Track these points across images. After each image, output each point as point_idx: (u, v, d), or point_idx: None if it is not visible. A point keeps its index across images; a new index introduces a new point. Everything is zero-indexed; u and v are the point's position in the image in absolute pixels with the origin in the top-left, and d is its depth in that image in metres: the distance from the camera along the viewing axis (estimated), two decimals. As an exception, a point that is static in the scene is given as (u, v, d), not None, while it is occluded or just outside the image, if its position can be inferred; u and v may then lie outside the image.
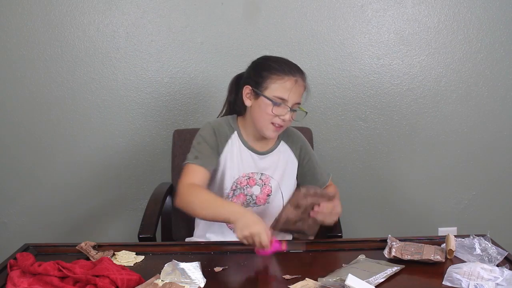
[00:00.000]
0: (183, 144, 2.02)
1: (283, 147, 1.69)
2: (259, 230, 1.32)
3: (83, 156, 2.28)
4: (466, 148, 2.36)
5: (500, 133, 2.36)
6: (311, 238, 1.49)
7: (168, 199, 1.97)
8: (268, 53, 2.16)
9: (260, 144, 1.65)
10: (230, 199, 1.63)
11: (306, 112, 1.60)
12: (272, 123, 1.55)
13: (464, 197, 2.42)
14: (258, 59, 1.63)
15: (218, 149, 1.62)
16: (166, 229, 1.97)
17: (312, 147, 2.07)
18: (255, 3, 2.18)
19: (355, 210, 2.38)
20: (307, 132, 2.08)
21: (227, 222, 1.49)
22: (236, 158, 1.63)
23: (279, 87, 1.52)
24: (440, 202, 2.42)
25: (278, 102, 1.52)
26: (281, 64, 1.56)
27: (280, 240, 1.38)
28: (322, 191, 1.46)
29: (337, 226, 1.79)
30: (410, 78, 2.29)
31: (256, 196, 1.63)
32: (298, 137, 1.72)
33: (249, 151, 1.64)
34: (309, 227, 1.47)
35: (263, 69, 1.57)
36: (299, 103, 1.56)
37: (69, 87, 2.22)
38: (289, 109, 1.53)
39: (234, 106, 1.68)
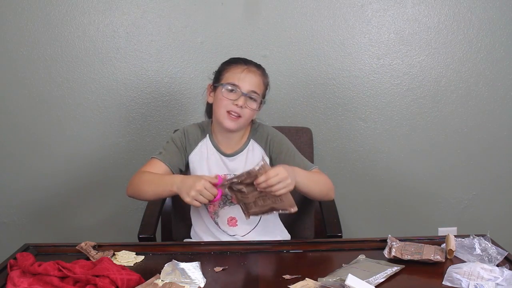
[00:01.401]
0: (183, 144, 2.02)
1: (252, 145, 1.68)
2: (203, 185, 1.40)
3: (83, 156, 2.28)
4: (466, 148, 2.36)
5: (500, 133, 2.36)
6: (294, 210, 1.41)
7: (168, 199, 1.97)
8: (268, 53, 2.20)
9: (229, 145, 1.67)
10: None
11: (264, 102, 1.64)
12: (228, 112, 1.57)
13: (464, 197, 2.42)
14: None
15: (185, 150, 1.67)
16: (166, 229, 1.97)
17: (312, 147, 2.07)
18: (255, 3, 2.18)
19: (355, 210, 2.38)
20: (307, 132, 2.08)
21: (172, 193, 1.50)
22: (205, 161, 1.66)
23: (230, 74, 1.60)
24: (440, 202, 2.42)
25: (230, 87, 1.57)
26: (238, 58, 1.66)
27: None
28: (243, 173, 1.39)
29: (337, 226, 1.80)
30: (410, 78, 2.29)
31: (231, 196, 1.62)
32: (265, 132, 1.70)
33: (218, 153, 1.66)
34: (276, 201, 1.41)
35: (222, 65, 1.67)
36: (254, 92, 1.58)
37: (69, 87, 2.22)
38: (241, 94, 1.56)
39: (210, 110, 1.70)
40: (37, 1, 2.13)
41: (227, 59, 1.69)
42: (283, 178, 1.37)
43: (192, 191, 1.40)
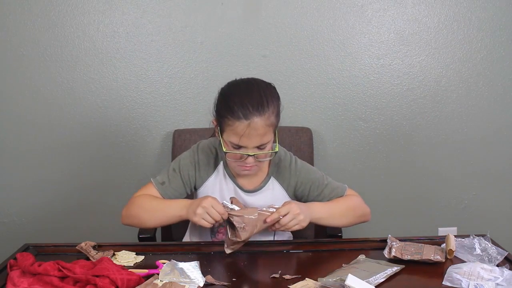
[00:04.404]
0: (183, 144, 2.02)
1: (273, 184, 1.56)
2: (209, 202, 1.33)
3: (83, 156, 2.28)
4: (466, 148, 2.36)
5: (500, 133, 2.36)
6: (227, 250, 1.37)
7: (168, 199, 1.97)
8: (268, 53, 2.20)
9: (247, 180, 1.54)
10: (216, 229, 1.59)
11: (276, 152, 1.46)
12: (240, 165, 1.44)
13: (464, 197, 2.42)
14: (224, 88, 1.47)
15: (194, 185, 1.56)
16: (166, 229, 1.97)
17: (312, 147, 2.07)
18: (255, 3, 2.18)
19: (355, 210, 2.38)
20: (307, 132, 2.08)
21: (180, 219, 1.42)
22: (218, 192, 1.54)
23: (230, 132, 1.39)
24: (440, 202, 2.42)
25: (234, 147, 1.40)
26: (235, 103, 1.38)
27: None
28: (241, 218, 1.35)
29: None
30: (410, 78, 2.29)
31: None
32: (287, 172, 1.55)
33: (234, 185, 1.54)
34: (231, 235, 1.37)
35: (221, 106, 1.43)
36: (262, 144, 1.40)
37: (69, 87, 2.22)
38: (247, 156, 1.39)
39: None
40: (37, 1, 2.13)
41: (227, 92, 1.45)
42: (295, 215, 1.36)
43: (199, 208, 1.33)
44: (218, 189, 1.55)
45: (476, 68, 2.29)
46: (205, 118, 2.23)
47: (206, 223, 1.34)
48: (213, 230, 1.59)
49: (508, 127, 2.36)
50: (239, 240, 1.35)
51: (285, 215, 1.36)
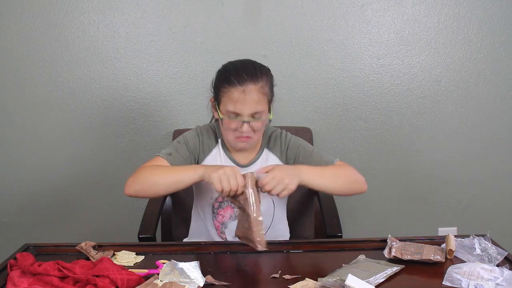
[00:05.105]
0: (183, 144, 2.01)
1: (266, 155, 1.61)
2: (234, 169, 1.32)
3: (83, 156, 2.28)
4: (466, 148, 2.36)
5: (500, 133, 2.36)
6: (260, 248, 1.32)
7: (168, 199, 1.97)
8: (268, 53, 2.20)
9: (242, 155, 1.59)
10: (217, 210, 1.60)
11: (270, 120, 1.53)
12: (236, 137, 1.49)
13: (464, 197, 2.42)
14: (220, 68, 1.56)
15: (197, 157, 1.58)
16: (166, 229, 1.97)
17: (312, 147, 2.07)
18: (255, 3, 2.18)
19: (355, 210, 2.38)
20: (307, 132, 2.08)
21: (195, 179, 1.39)
22: None
23: (227, 100, 1.46)
24: (440, 202, 2.42)
25: (230, 115, 1.46)
26: (231, 73, 1.48)
27: None
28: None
29: (337, 226, 1.80)
30: (410, 78, 2.29)
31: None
32: (279, 141, 1.62)
33: (232, 162, 1.58)
34: (250, 228, 1.33)
35: (217, 80, 1.53)
36: (256, 112, 1.46)
37: (69, 87, 2.22)
38: (242, 122, 1.45)
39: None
40: (37, 1, 2.13)
41: (223, 68, 1.55)
42: (279, 180, 1.34)
43: (222, 169, 1.32)
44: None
45: (476, 68, 2.29)
46: (205, 118, 2.23)
47: (219, 185, 1.31)
48: (213, 210, 1.61)
49: (508, 127, 2.36)
50: (257, 220, 1.30)
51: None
